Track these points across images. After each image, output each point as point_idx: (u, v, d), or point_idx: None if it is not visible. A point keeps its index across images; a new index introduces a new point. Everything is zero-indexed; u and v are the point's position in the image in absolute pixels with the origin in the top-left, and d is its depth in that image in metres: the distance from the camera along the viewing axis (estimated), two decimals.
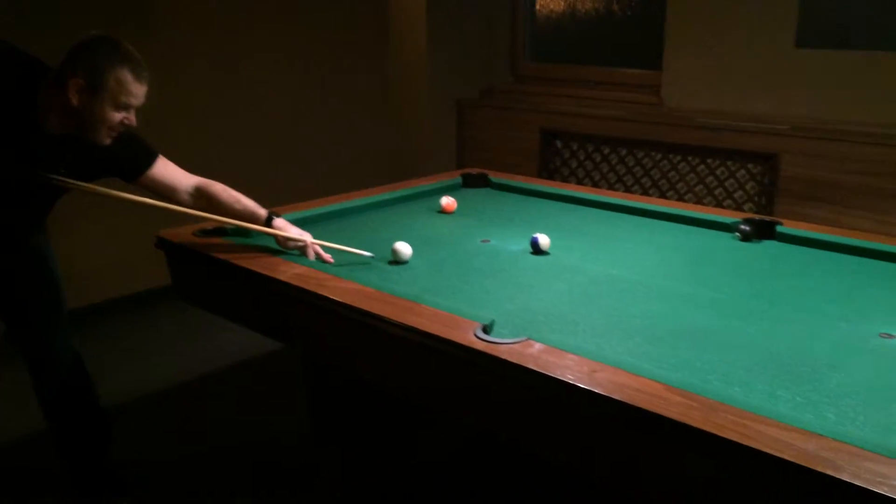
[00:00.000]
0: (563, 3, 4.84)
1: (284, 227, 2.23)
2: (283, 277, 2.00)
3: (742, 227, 2.46)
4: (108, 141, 2.02)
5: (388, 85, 4.98)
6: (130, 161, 2.19)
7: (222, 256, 2.18)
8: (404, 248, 2.21)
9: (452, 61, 4.89)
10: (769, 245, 2.41)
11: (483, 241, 2.44)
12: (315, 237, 2.25)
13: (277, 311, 2.11)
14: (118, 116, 1.97)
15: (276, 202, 2.30)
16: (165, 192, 2.23)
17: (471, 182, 3.17)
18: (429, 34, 4.76)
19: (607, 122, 4.35)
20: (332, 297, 1.87)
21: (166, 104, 3.47)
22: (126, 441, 2.75)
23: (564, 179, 4.57)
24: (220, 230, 2.37)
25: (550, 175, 4.64)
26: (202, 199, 2.25)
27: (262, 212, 2.24)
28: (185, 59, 3.97)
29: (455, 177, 3.20)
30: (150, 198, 2.19)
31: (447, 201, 2.78)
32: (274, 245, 2.24)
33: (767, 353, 1.63)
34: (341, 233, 2.46)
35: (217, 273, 2.22)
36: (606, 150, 4.42)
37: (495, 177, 3.19)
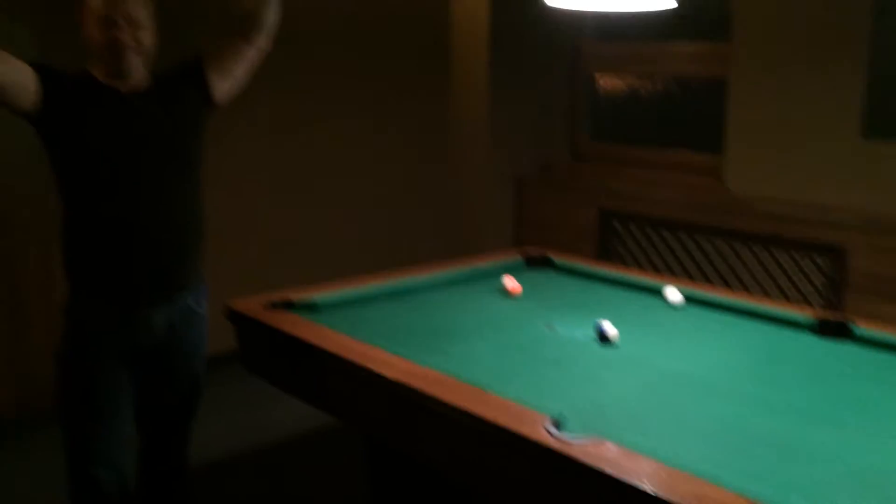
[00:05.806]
0: (623, 83, 4.89)
1: None
2: (352, 357, 2.00)
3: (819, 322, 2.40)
4: (124, 65, 1.91)
5: (446, 160, 5.05)
6: (189, 66, 2.09)
7: (296, 332, 2.19)
8: (674, 295, 2.54)
9: (511, 138, 4.94)
10: (843, 345, 2.33)
11: (547, 327, 2.42)
12: (371, 320, 2.27)
13: (345, 391, 2.10)
14: (107, 35, 1.86)
15: (330, 269, 2.29)
16: (235, 51, 2.13)
17: (533, 263, 3.16)
18: (489, 113, 4.83)
19: (667, 205, 4.32)
20: (394, 378, 1.87)
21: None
22: None
23: (623, 261, 4.53)
24: (288, 303, 2.39)
25: (609, 256, 4.61)
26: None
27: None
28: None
29: (515, 256, 3.19)
30: None
31: (513, 285, 2.74)
32: (339, 321, 2.25)
33: (854, 467, 1.56)
34: (397, 318, 2.44)
35: (287, 349, 2.23)
36: (666, 234, 4.39)
37: (558, 258, 3.17)
